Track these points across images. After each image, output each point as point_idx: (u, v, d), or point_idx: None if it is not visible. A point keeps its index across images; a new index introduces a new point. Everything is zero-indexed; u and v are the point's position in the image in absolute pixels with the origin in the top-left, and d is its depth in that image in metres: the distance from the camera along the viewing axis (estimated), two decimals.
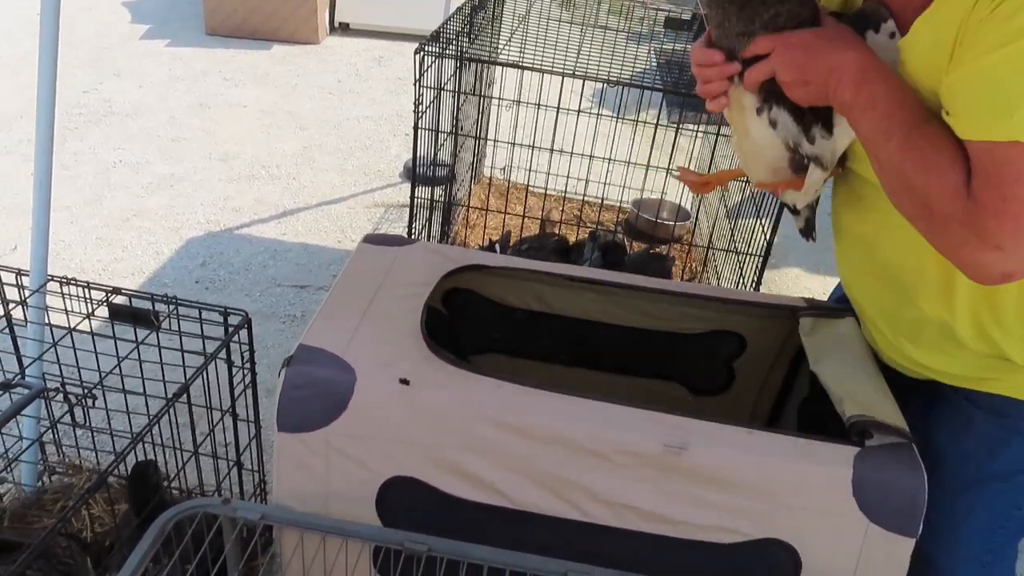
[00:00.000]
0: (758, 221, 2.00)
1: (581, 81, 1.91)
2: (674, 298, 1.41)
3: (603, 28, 2.60)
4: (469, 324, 1.52)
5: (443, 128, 2.05)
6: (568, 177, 2.58)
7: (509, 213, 2.54)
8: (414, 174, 1.93)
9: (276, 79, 4.34)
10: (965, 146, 0.84)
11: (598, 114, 2.28)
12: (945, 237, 0.88)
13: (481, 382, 1.06)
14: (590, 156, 2.35)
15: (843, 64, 0.91)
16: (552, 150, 2.29)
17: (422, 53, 1.73)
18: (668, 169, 2.79)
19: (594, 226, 2.68)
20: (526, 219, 2.57)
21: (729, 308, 1.42)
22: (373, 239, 1.38)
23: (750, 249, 1.97)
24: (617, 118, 2.42)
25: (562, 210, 2.81)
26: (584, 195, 2.37)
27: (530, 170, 2.45)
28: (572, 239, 2.50)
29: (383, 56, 4.80)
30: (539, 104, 2.10)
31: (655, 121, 2.16)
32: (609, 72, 2.04)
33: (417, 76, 1.75)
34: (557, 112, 2.06)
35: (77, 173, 3.16)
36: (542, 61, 1.91)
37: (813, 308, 1.33)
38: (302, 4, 4.82)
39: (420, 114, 1.82)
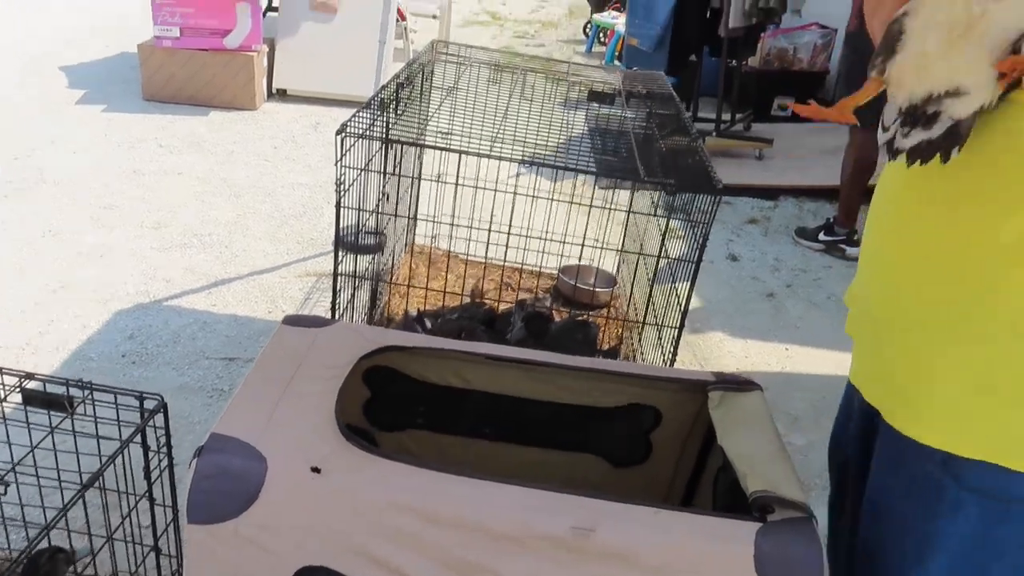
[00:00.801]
0: (673, 287, 2.06)
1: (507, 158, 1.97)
2: (591, 374, 1.45)
3: (529, 100, 2.68)
4: (391, 401, 1.53)
5: (367, 207, 2.08)
6: (499, 245, 2.63)
7: (437, 285, 2.57)
8: (336, 252, 1.96)
9: (213, 145, 4.34)
10: None
11: (521, 193, 2.35)
12: None
13: (393, 468, 1.07)
14: (513, 233, 2.40)
15: None
16: (474, 227, 2.34)
17: (343, 135, 1.77)
18: (599, 244, 2.88)
19: (526, 294, 2.72)
20: (455, 289, 2.60)
21: (644, 383, 1.46)
22: (293, 320, 1.40)
23: (666, 321, 2.03)
24: (544, 197, 2.48)
25: (492, 278, 2.85)
26: (518, 262, 2.42)
27: (459, 239, 2.49)
28: (501, 307, 2.54)
29: (320, 122, 4.85)
30: (459, 183, 2.15)
31: (588, 202, 2.23)
32: (536, 143, 2.11)
33: (338, 157, 1.79)
34: (476, 190, 2.11)
35: (3, 244, 3.11)
36: (469, 137, 1.96)
37: (722, 382, 1.38)
38: (240, 70, 4.86)
39: (342, 193, 1.85)
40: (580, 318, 2.52)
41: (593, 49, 7.74)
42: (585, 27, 8.22)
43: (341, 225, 1.93)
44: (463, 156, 1.82)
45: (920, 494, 0.96)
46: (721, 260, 3.54)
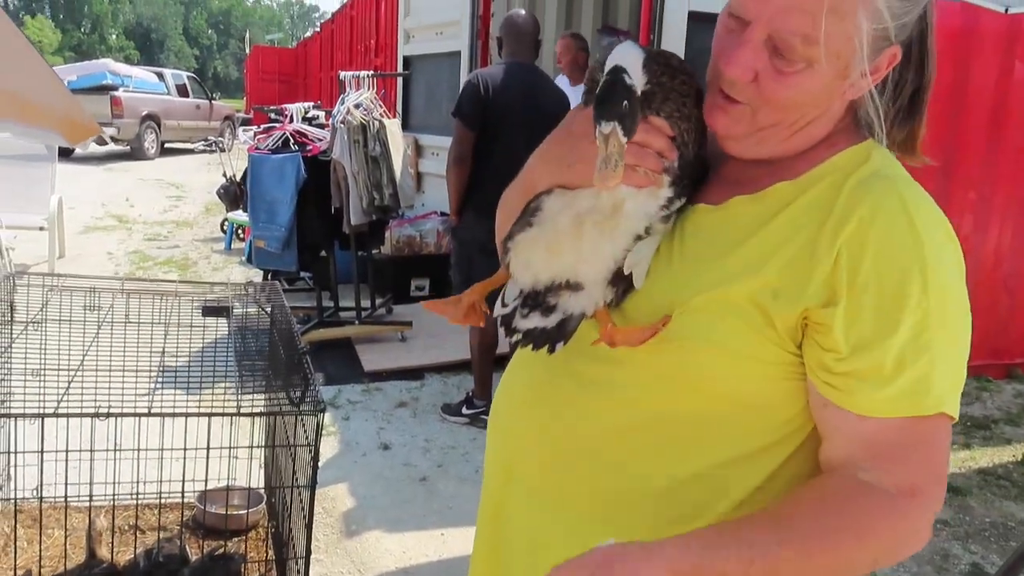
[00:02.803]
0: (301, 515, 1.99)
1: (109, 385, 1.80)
2: None
3: (137, 322, 2.53)
4: None
5: None
6: (122, 483, 2.37)
7: (46, 548, 2.23)
8: None
9: None
10: (866, 424, 0.81)
11: (138, 414, 2.16)
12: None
13: None
14: (145, 457, 2.18)
15: None
16: (82, 460, 2.09)
17: None
18: (231, 451, 2.71)
19: (161, 533, 2.45)
20: (68, 544, 2.26)
21: None
22: None
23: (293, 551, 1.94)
24: (170, 414, 2.30)
25: (118, 522, 2.54)
26: (155, 494, 2.18)
27: (71, 484, 2.20)
28: (126, 557, 2.26)
29: None
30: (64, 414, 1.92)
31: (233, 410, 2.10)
32: (138, 367, 1.96)
33: None
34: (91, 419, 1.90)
35: None
36: (58, 369, 1.78)
37: None
38: None
39: None
40: (219, 552, 2.32)
41: (233, 246, 7.65)
42: (222, 224, 8.14)
43: None
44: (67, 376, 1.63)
45: None
46: (374, 451, 3.53)
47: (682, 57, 0.92)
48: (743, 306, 0.83)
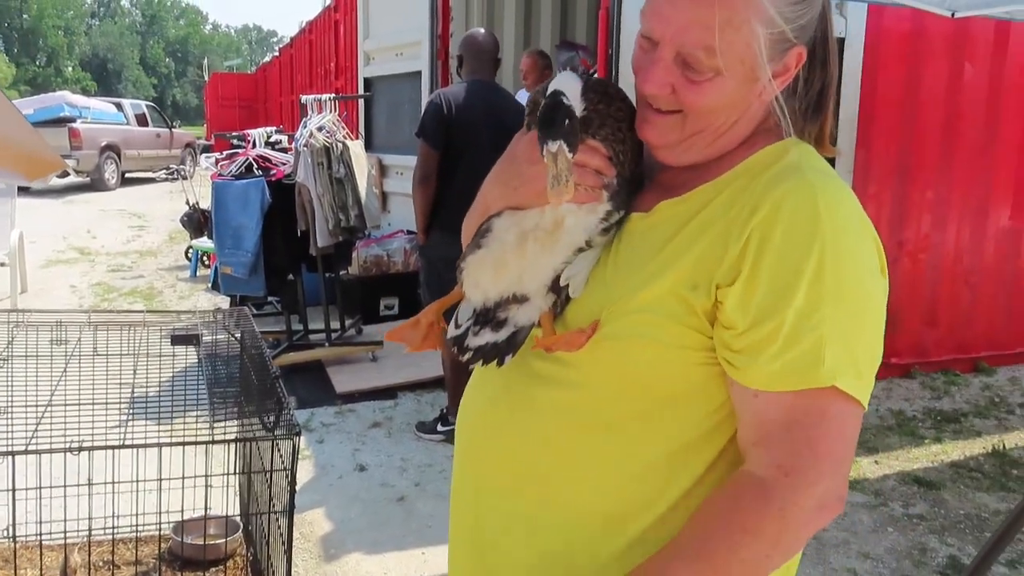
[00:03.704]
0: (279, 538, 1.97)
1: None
2: None
3: (105, 355, 2.49)
4: None
5: None
6: (91, 518, 2.33)
7: None
8: None
9: None
10: (757, 399, 0.85)
11: (110, 446, 2.12)
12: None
13: None
14: (120, 491, 2.15)
15: None
16: (54, 496, 2.06)
17: None
18: (206, 479, 2.67)
19: (133, 568, 2.42)
20: None
21: None
22: None
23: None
24: (142, 445, 2.27)
25: (93, 558, 2.50)
26: (129, 528, 2.14)
27: (44, 522, 2.16)
28: None
29: None
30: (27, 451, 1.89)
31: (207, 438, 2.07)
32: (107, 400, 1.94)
33: None
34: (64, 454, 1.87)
35: None
36: (26, 406, 1.75)
37: None
38: None
39: None
40: None
41: (198, 273, 7.58)
42: (187, 252, 8.06)
43: None
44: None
45: None
46: (350, 473, 3.50)
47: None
48: (667, 300, 0.88)
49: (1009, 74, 4.95)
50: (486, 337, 0.99)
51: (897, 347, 4.95)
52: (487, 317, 0.99)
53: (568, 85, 0.93)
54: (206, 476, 2.06)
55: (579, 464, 0.95)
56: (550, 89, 0.92)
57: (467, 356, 1.01)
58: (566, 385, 0.95)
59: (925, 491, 3.42)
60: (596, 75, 4.40)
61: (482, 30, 3.98)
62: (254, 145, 4.96)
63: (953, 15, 4.44)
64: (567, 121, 0.87)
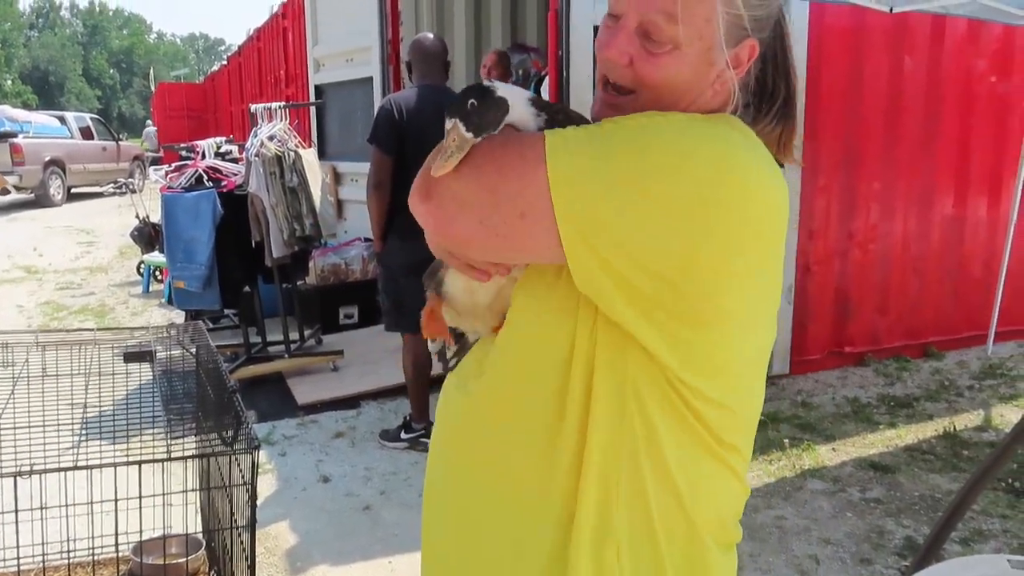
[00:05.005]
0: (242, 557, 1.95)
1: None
2: None
3: (55, 375, 2.44)
4: None
5: None
6: (45, 543, 2.27)
7: None
8: None
9: None
10: None
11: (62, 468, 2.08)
12: None
13: None
14: (77, 514, 2.10)
15: None
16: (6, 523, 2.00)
17: None
18: (164, 498, 2.62)
19: None
20: None
21: None
22: None
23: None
24: (98, 465, 2.22)
25: None
26: (86, 550, 2.09)
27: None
28: None
29: None
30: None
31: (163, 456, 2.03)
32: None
33: None
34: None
35: None
36: None
37: None
38: None
39: None
40: None
41: (151, 288, 7.44)
42: (138, 267, 7.91)
43: None
44: None
45: None
46: (314, 484, 3.47)
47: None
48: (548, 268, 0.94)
49: (946, 65, 5.09)
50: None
51: (851, 336, 5.05)
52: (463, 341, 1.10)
53: (512, 90, 0.95)
54: (163, 495, 2.02)
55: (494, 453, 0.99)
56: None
57: (452, 364, 1.10)
58: (480, 384, 1.01)
59: (881, 475, 3.50)
60: (547, 76, 4.43)
61: (430, 34, 3.97)
62: (204, 156, 4.89)
63: (891, 10, 4.56)
64: (472, 102, 0.89)
